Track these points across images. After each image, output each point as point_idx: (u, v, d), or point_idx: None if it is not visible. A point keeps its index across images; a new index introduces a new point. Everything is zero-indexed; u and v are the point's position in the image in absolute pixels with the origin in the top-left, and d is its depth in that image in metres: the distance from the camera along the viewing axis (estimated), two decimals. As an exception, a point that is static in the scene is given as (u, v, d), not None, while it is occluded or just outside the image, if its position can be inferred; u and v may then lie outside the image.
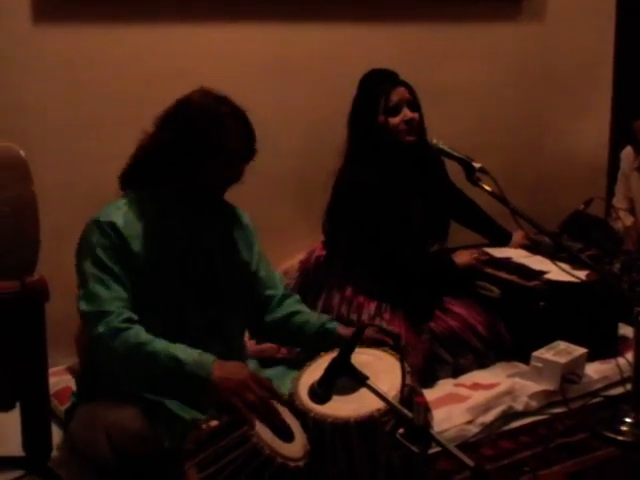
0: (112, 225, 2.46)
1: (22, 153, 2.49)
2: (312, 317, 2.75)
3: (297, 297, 2.84)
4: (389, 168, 3.51)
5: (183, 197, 2.55)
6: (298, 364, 2.64)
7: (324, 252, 3.67)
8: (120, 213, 2.49)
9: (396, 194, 3.51)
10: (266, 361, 2.93)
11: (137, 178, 2.57)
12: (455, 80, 4.32)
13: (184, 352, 2.36)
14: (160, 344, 2.37)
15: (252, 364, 2.72)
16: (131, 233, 2.47)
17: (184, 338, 2.45)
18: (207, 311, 2.59)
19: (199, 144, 2.46)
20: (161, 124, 2.53)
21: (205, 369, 2.32)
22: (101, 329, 2.38)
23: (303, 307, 2.80)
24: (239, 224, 2.74)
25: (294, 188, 4.02)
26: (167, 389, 2.40)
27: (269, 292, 2.76)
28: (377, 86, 3.54)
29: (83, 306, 2.44)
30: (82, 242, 2.51)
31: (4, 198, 2.44)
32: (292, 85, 3.93)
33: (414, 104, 3.56)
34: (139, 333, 2.39)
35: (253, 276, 2.74)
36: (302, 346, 2.87)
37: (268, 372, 2.72)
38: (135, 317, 2.42)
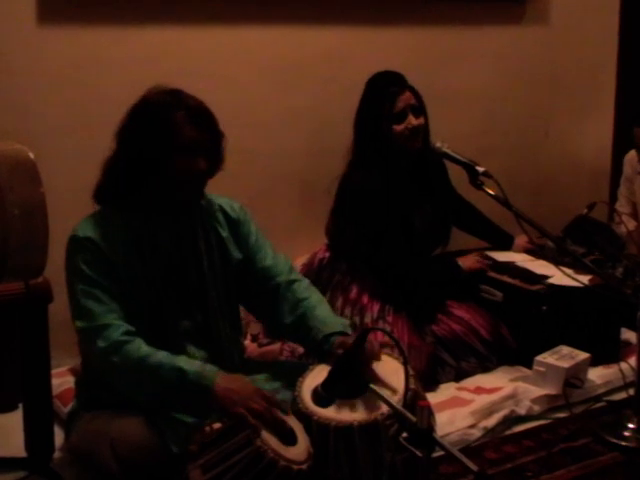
0: (89, 239, 2.45)
1: (31, 155, 2.49)
2: (315, 327, 2.61)
3: (304, 285, 2.74)
4: (393, 173, 3.50)
5: (160, 203, 2.52)
6: (296, 370, 2.62)
7: (327, 254, 3.67)
8: (95, 227, 2.48)
9: (399, 199, 3.50)
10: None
11: (111, 193, 2.54)
12: (459, 83, 4.32)
13: (187, 364, 2.37)
14: (162, 356, 2.37)
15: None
16: (108, 245, 2.46)
17: (169, 343, 2.45)
18: (192, 315, 2.58)
19: (151, 142, 2.43)
20: (119, 134, 2.51)
21: (209, 380, 2.32)
22: (101, 344, 2.38)
23: (311, 301, 2.68)
24: (227, 221, 2.69)
25: (298, 190, 4.02)
26: (170, 401, 2.39)
27: (275, 281, 2.70)
28: (383, 90, 3.52)
29: (79, 323, 2.44)
30: (67, 260, 2.50)
31: (13, 200, 2.42)
32: (298, 87, 3.93)
33: (419, 109, 3.54)
34: (140, 346, 2.39)
35: (253, 270, 2.70)
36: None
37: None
38: (133, 329, 2.42)
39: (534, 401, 3.26)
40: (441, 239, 3.74)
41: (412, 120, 3.49)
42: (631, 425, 3.05)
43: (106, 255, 2.45)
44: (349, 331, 2.62)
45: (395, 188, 3.49)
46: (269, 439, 2.21)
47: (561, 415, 3.24)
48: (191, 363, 2.38)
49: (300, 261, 3.73)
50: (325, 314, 2.67)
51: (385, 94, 3.50)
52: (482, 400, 3.21)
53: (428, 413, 2.05)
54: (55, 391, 2.91)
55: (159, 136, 2.43)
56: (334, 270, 3.58)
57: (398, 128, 3.48)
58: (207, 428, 2.25)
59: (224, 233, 2.67)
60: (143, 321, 2.47)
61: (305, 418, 2.35)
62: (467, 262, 3.68)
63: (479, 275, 3.71)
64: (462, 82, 4.34)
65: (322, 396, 2.26)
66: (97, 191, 2.55)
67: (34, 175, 2.51)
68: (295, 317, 2.66)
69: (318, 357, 2.60)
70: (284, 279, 2.71)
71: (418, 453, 1.96)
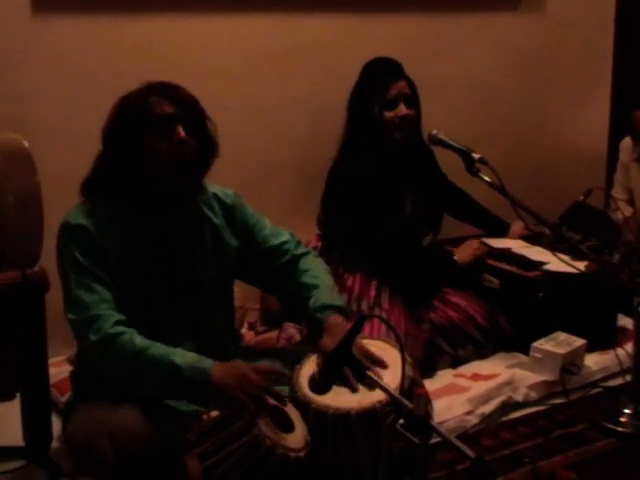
0: (81, 227, 2.44)
1: (26, 144, 2.48)
2: (315, 296, 2.65)
3: (310, 258, 2.78)
4: (383, 159, 3.50)
5: (149, 195, 2.51)
6: (293, 357, 2.64)
7: (320, 243, 3.66)
8: (87, 215, 2.46)
9: (388, 185, 3.50)
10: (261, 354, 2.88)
11: (98, 186, 2.53)
12: (455, 71, 4.32)
13: (182, 357, 2.35)
14: (157, 350, 2.36)
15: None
16: (101, 235, 2.44)
17: (161, 335, 2.43)
18: (183, 308, 2.57)
19: (126, 125, 2.44)
20: (103, 128, 2.52)
21: (204, 374, 2.32)
22: (93, 337, 2.36)
23: (314, 271, 2.73)
24: (222, 208, 2.68)
25: (293, 178, 4.02)
26: (165, 394, 2.39)
27: (281, 261, 2.73)
28: (378, 76, 3.54)
29: (70, 315, 2.42)
30: (59, 248, 2.49)
31: (8, 188, 2.42)
32: (294, 75, 3.93)
33: (412, 100, 3.55)
34: (133, 339, 2.36)
35: (256, 254, 2.71)
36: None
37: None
38: (124, 318, 2.40)
39: (531, 387, 3.27)
40: (432, 226, 3.74)
41: (403, 109, 3.50)
42: (627, 411, 3.06)
43: (99, 243, 2.43)
44: (347, 309, 2.65)
45: (385, 174, 3.49)
46: (266, 427, 2.21)
47: (558, 401, 3.25)
48: (186, 357, 2.36)
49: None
50: (326, 286, 2.70)
51: (380, 80, 3.52)
52: (479, 387, 3.22)
53: (425, 400, 2.06)
54: (52, 380, 2.90)
55: (133, 118, 2.44)
56: (327, 259, 3.55)
57: (388, 115, 3.49)
58: (204, 417, 2.26)
59: (218, 221, 2.66)
60: (134, 314, 2.45)
61: (303, 406, 2.36)
62: (463, 255, 3.67)
63: (478, 263, 3.71)
64: (458, 70, 4.33)
65: (319, 384, 2.27)
66: (84, 184, 2.54)
67: (29, 164, 2.51)
68: (297, 285, 2.70)
69: (310, 325, 2.62)
70: (289, 257, 2.73)
71: (415, 440, 1.96)
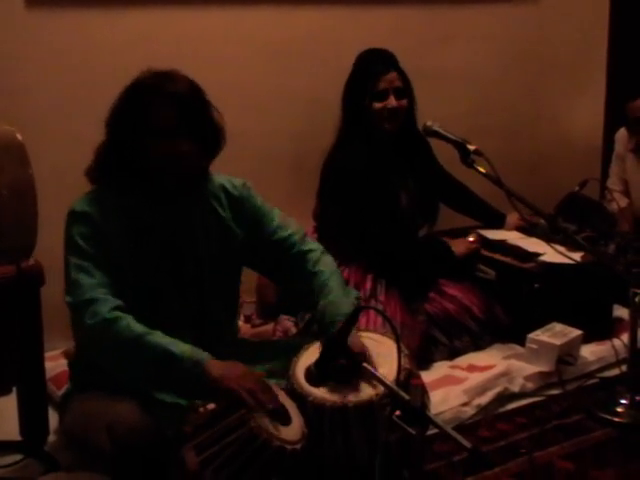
0: (86, 214, 2.43)
1: (19, 136, 2.48)
2: (327, 310, 2.58)
3: (317, 255, 2.72)
4: (376, 151, 3.50)
5: (152, 187, 2.50)
6: (289, 350, 2.62)
7: (316, 235, 3.66)
8: (92, 204, 2.46)
9: (383, 177, 3.50)
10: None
11: (103, 174, 2.52)
12: (450, 62, 4.31)
13: (179, 347, 2.33)
14: (154, 338, 2.34)
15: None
16: (104, 222, 2.44)
17: (161, 326, 2.41)
18: (187, 300, 2.56)
19: (127, 121, 2.43)
20: (108, 115, 2.49)
21: (200, 366, 2.30)
22: (89, 320, 2.34)
23: (323, 276, 2.66)
24: (229, 200, 2.66)
25: (289, 171, 4.02)
26: (160, 383, 2.37)
27: (287, 254, 2.70)
28: (369, 68, 3.54)
29: (68, 297, 2.40)
30: (65, 234, 2.48)
31: (3, 181, 2.43)
32: (290, 67, 3.93)
33: (403, 92, 3.54)
34: (130, 324, 2.34)
35: (263, 245, 2.69)
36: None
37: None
38: (122, 304, 2.38)
39: (527, 378, 3.27)
40: (427, 217, 3.74)
41: (392, 101, 3.49)
42: (624, 401, 3.06)
43: (102, 230, 2.42)
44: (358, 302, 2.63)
45: (378, 166, 3.48)
46: (263, 420, 2.21)
47: (554, 392, 3.25)
48: (183, 347, 2.34)
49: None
50: (336, 292, 2.64)
51: (370, 71, 3.52)
52: (475, 378, 3.22)
53: (421, 391, 2.06)
54: (49, 374, 2.90)
55: (135, 119, 2.42)
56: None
57: (377, 106, 3.49)
58: (201, 409, 2.25)
59: (224, 213, 2.64)
60: (138, 305, 2.44)
61: (300, 398, 2.35)
62: (459, 248, 3.68)
63: (474, 255, 3.71)
64: (453, 62, 4.33)
65: (315, 375, 2.27)
66: (89, 170, 2.53)
67: (23, 157, 2.51)
68: (308, 290, 2.66)
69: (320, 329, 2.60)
70: (296, 251, 2.70)
71: (412, 431, 1.96)
